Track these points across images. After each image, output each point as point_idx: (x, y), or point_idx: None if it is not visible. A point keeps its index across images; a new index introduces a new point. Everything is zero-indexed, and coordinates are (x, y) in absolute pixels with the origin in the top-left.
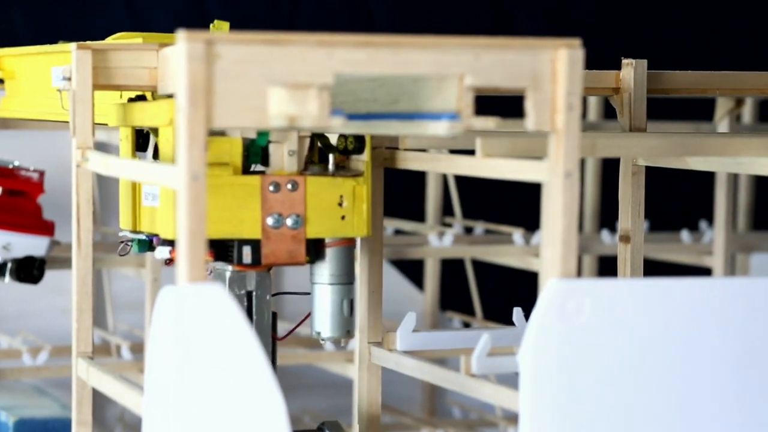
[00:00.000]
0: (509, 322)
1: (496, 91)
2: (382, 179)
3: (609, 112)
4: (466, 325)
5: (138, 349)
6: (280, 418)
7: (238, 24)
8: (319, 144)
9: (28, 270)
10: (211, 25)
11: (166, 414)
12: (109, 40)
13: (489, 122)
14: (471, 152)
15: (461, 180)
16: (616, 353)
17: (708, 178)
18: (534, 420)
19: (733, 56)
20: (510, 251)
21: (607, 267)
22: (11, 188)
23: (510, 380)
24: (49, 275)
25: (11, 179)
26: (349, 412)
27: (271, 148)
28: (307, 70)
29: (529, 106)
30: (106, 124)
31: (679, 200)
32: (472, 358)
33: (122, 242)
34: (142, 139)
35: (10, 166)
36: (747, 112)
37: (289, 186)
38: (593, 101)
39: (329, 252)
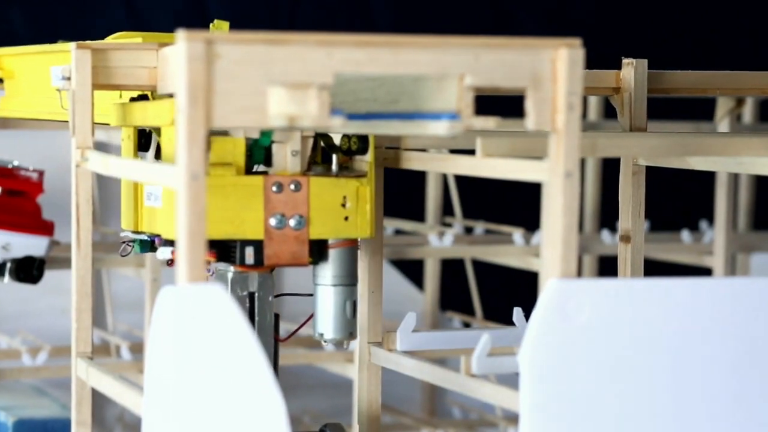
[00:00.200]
0: (509, 322)
1: (496, 91)
2: (382, 179)
3: (609, 111)
4: (466, 325)
5: (137, 349)
6: (280, 418)
7: (238, 24)
8: (322, 144)
9: (28, 270)
10: (210, 25)
11: (165, 414)
12: (109, 39)
13: (489, 122)
14: (471, 152)
15: (461, 180)
16: (617, 353)
17: (708, 177)
18: (534, 420)
19: (733, 56)
20: (510, 251)
21: (607, 267)
22: (11, 188)
23: (510, 380)
24: (49, 275)
25: (11, 179)
26: (349, 412)
27: (274, 148)
28: (307, 69)
29: (529, 105)
30: (108, 124)
31: (679, 200)
32: (472, 358)
33: (124, 243)
34: (144, 139)
35: (10, 166)
36: (747, 112)
37: (292, 186)
38: (593, 101)
39: (332, 253)
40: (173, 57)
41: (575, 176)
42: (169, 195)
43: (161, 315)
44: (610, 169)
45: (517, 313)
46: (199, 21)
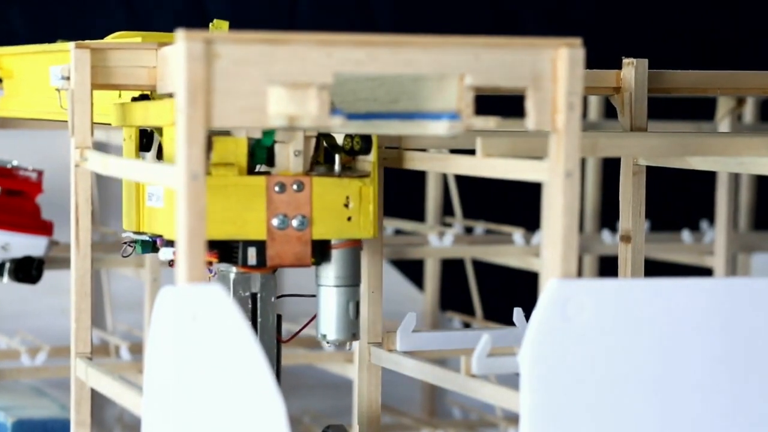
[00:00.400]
0: (509, 322)
1: (497, 91)
2: (382, 179)
3: (610, 111)
4: (467, 326)
5: (137, 349)
6: (280, 418)
7: (238, 24)
8: (325, 144)
9: (27, 270)
10: (210, 25)
11: (165, 414)
12: (108, 39)
13: (489, 122)
14: (471, 152)
15: (461, 180)
16: (617, 353)
17: (709, 177)
18: (534, 420)
19: (734, 56)
20: (510, 251)
21: (607, 267)
22: (10, 188)
23: (510, 381)
24: (48, 275)
25: (10, 179)
26: (349, 412)
27: (277, 148)
28: (307, 69)
29: (529, 105)
30: (109, 124)
31: (680, 200)
32: (473, 358)
33: (125, 243)
34: (146, 139)
35: (9, 166)
36: (748, 112)
37: (295, 186)
38: (594, 101)
39: (335, 254)
40: (173, 57)
41: (575, 176)
42: (171, 195)
43: (161, 315)
44: (610, 169)
45: (518, 313)
46: (198, 21)
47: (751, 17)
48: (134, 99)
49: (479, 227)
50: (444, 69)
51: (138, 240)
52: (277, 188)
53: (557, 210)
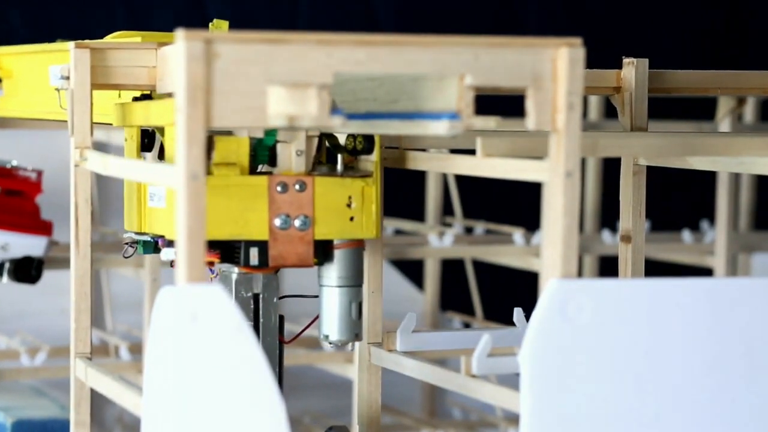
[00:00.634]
0: (510, 322)
1: (497, 91)
2: (383, 179)
3: (610, 111)
4: (467, 326)
5: (137, 349)
6: (280, 418)
7: (238, 24)
8: (327, 144)
9: (26, 270)
10: (210, 25)
11: (165, 415)
12: (108, 38)
13: (489, 122)
14: (471, 152)
15: (461, 180)
16: (617, 354)
17: (709, 177)
18: (534, 421)
19: (734, 56)
20: (510, 251)
21: (607, 267)
22: (9, 188)
23: (510, 381)
24: (48, 275)
25: (9, 179)
26: (349, 412)
27: (279, 147)
28: (307, 69)
29: (529, 105)
30: (110, 124)
31: (680, 200)
32: (473, 358)
33: (127, 244)
34: (147, 139)
35: (8, 166)
36: (749, 112)
37: (297, 186)
38: (594, 100)
39: (337, 254)
40: (172, 56)
41: (576, 176)
42: (172, 195)
43: (160, 315)
44: (610, 168)
45: (518, 313)
46: (198, 20)
47: (751, 17)
48: (136, 99)
49: (479, 227)
50: (444, 69)
51: (140, 240)
52: (279, 188)
53: (557, 210)
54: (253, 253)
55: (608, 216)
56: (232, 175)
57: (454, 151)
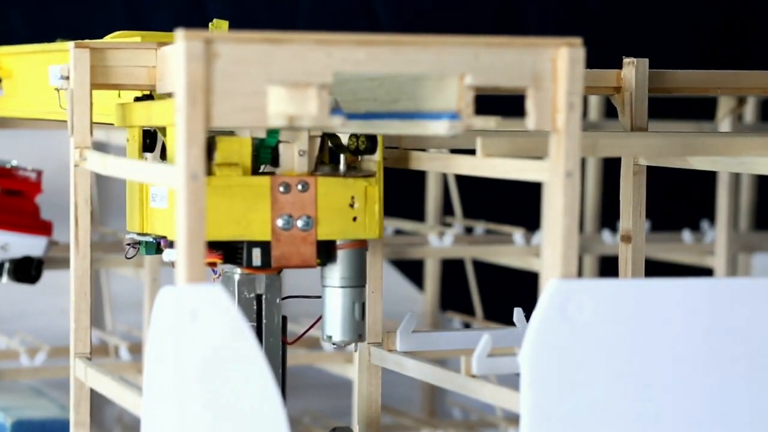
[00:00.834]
0: (510, 322)
1: (497, 91)
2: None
3: (610, 111)
4: (467, 326)
5: (136, 349)
6: (280, 419)
7: (238, 23)
8: (329, 144)
9: (26, 270)
10: (210, 25)
11: (164, 415)
12: (108, 38)
13: (489, 122)
14: (471, 152)
15: (462, 180)
16: (617, 354)
17: (710, 177)
18: (534, 421)
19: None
20: (510, 251)
21: (608, 267)
22: (9, 188)
23: (511, 381)
24: (47, 275)
25: (9, 179)
26: (349, 412)
27: (281, 148)
28: (307, 69)
29: (529, 105)
30: (110, 124)
31: (680, 200)
32: (473, 358)
33: (129, 245)
34: (149, 140)
35: (8, 166)
36: (749, 112)
37: (300, 187)
38: (594, 100)
39: (340, 254)
40: (172, 56)
41: (576, 176)
42: (174, 196)
43: (160, 315)
44: (610, 168)
45: (518, 313)
46: (198, 20)
47: (751, 17)
48: (137, 99)
49: (479, 227)
50: (444, 69)
51: (142, 241)
52: (281, 188)
53: (557, 210)
54: (256, 253)
55: (608, 216)
56: (235, 176)
57: (454, 151)
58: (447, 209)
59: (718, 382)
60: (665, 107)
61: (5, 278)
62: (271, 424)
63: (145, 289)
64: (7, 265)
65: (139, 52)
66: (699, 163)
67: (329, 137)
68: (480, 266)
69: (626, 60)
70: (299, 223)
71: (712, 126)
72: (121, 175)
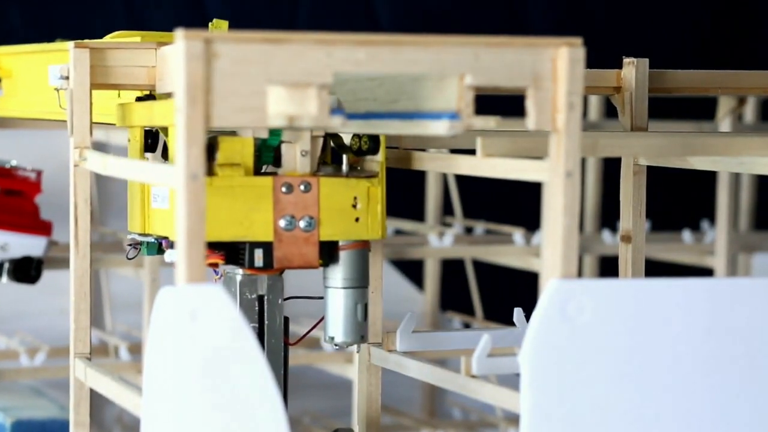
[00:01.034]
0: (510, 322)
1: (497, 91)
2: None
3: (610, 111)
4: (467, 326)
5: (136, 349)
6: (280, 419)
7: (238, 23)
8: (332, 144)
9: (26, 270)
10: (210, 24)
11: (164, 415)
12: (107, 38)
13: (489, 122)
14: (471, 152)
15: (461, 179)
16: (617, 354)
17: (710, 177)
18: (534, 421)
19: (735, 55)
20: (510, 251)
21: (608, 267)
22: (9, 188)
23: (511, 381)
24: (47, 275)
25: (9, 179)
26: (349, 412)
27: (284, 148)
28: (307, 69)
29: (529, 105)
30: (111, 124)
31: (680, 200)
32: (473, 358)
33: (130, 245)
34: (151, 140)
35: (8, 166)
36: (749, 111)
37: (302, 187)
38: (594, 100)
39: (343, 255)
40: (172, 56)
41: (576, 176)
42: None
43: (160, 315)
44: (610, 168)
45: (518, 313)
46: (198, 21)
47: (751, 17)
48: (139, 98)
49: (479, 227)
50: (444, 69)
51: (143, 242)
52: (284, 189)
53: (557, 210)
54: (258, 254)
55: (608, 216)
56: (237, 176)
57: (454, 151)
58: (447, 209)
59: (718, 382)
60: (665, 107)
61: (5, 278)
62: (272, 424)
63: (145, 289)
64: (6, 265)
65: (138, 52)
66: (699, 163)
67: (332, 137)
68: (480, 266)
69: (626, 60)
70: (301, 224)
71: (712, 126)
72: (121, 176)
